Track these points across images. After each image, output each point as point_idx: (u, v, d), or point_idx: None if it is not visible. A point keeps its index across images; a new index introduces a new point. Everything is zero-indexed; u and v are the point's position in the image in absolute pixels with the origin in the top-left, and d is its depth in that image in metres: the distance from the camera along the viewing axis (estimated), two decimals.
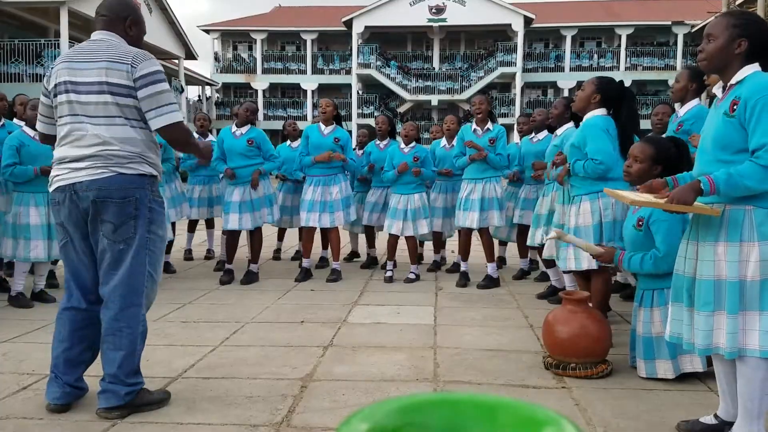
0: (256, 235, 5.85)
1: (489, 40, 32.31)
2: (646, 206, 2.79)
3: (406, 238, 5.76)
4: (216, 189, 6.55)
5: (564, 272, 4.52)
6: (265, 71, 32.54)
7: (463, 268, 5.69)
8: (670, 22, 30.52)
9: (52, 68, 2.74)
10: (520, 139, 6.14)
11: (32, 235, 4.67)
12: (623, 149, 3.63)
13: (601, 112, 3.75)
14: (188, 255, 7.03)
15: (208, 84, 31.34)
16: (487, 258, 5.57)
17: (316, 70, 32.57)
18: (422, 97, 31.00)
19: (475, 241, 5.64)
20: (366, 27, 31.00)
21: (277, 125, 7.23)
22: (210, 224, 7.13)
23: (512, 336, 4.00)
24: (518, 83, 30.33)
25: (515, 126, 6.36)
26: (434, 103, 31.14)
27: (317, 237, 6.13)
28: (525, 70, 30.78)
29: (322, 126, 5.80)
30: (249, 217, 5.65)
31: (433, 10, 30.48)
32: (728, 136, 2.28)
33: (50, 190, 2.75)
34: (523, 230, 5.65)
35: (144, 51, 2.72)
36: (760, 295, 2.24)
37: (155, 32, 21.04)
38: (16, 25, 18.80)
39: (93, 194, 2.62)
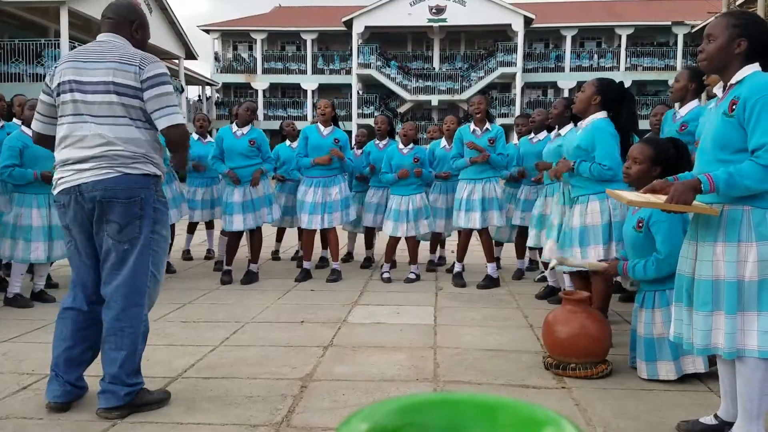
0: (255, 234, 5.85)
1: (489, 40, 32.31)
2: (645, 206, 2.78)
3: (407, 238, 5.76)
4: (217, 190, 6.54)
5: (564, 272, 4.52)
6: (265, 71, 32.56)
7: (457, 268, 5.69)
8: (670, 23, 30.53)
9: (55, 67, 2.75)
10: (518, 140, 6.12)
11: (33, 237, 4.66)
12: (623, 150, 3.63)
13: (603, 114, 3.75)
14: (187, 255, 7.03)
15: (208, 84, 31.34)
16: (487, 258, 5.57)
17: (316, 70, 32.58)
18: (422, 97, 31.00)
19: (474, 241, 5.63)
20: (366, 27, 31.02)
21: (277, 125, 7.23)
22: (210, 224, 7.13)
23: (512, 336, 4.00)
24: (518, 83, 30.34)
25: (514, 127, 6.32)
26: (434, 103, 31.14)
27: (317, 238, 6.13)
28: (525, 71, 30.79)
29: (321, 127, 5.80)
30: (251, 216, 5.66)
31: (433, 10, 30.50)
32: (727, 136, 2.28)
33: (54, 192, 2.75)
34: (523, 231, 5.64)
35: (150, 54, 2.75)
36: (759, 295, 2.24)
37: (155, 32, 20.99)
38: (16, 25, 18.80)
39: (99, 194, 2.63)
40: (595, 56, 31.55)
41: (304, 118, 30.07)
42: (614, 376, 3.23)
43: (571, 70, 31.03)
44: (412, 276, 5.79)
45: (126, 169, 2.66)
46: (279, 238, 7.21)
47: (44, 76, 2.86)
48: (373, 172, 6.19)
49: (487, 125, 5.50)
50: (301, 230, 6.34)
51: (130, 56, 2.68)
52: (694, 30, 27.52)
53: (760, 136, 2.18)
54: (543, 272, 5.61)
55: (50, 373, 2.76)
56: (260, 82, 32.34)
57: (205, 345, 3.78)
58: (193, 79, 29.31)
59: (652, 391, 3.02)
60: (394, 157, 5.77)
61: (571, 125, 4.74)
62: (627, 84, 4.13)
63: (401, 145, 5.85)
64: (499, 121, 26.29)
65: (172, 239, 6.24)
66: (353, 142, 6.95)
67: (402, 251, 6.05)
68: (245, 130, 5.74)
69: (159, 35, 21.63)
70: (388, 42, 32.76)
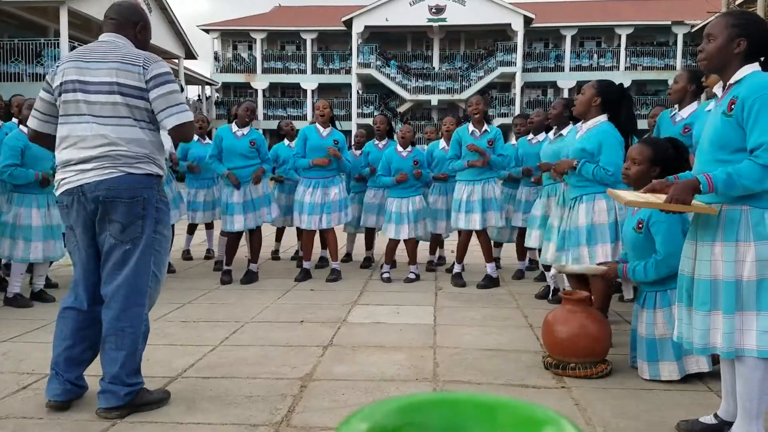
0: (255, 234, 5.85)
1: (489, 39, 32.30)
2: (644, 207, 2.78)
3: (405, 240, 5.76)
4: (218, 191, 6.54)
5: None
6: (264, 71, 32.55)
7: (457, 269, 5.69)
8: (669, 22, 30.53)
9: (57, 66, 2.75)
10: (516, 140, 6.10)
11: (33, 237, 4.66)
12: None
13: (605, 117, 3.75)
14: (187, 255, 7.04)
15: (207, 84, 31.33)
16: (485, 258, 5.57)
17: (316, 70, 32.58)
18: (422, 96, 31.00)
19: (474, 241, 5.63)
20: (366, 27, 31.01)
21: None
22: (209, 224, 7.12)
23: (512, 336, 4.00)
24: (518, 83, 30.33)
25: (513, 128, 6.30)
26: (434, 102, 31.14)
27: (316, 238, 6.13)
28: (525, 70, 30.79)
29: (321, 128, 5.79)
30: (252, 216, 5.67)
31: (433, 10, 30.48)
32: (726, 136, 2.29)
33: (57, 193, 2.75)
34: (523, 232, 5.63)
35: (152, 54, 2.75)
36: (757, 295, 2.24)
37: (155, 32, 20.64)
38: (16, 25, 18.79)
39: (102, 194, 2.63)
40: (595, 56, 31.55)
41: (303, 117, 30.05)
42: (614, 375, 3.23)
43: (571, 69, 31.03)
44: (412, 276, 5.80)
45: (129, 168, 2.66)
46: (278, 237, 7.21)
47: (44, 76, 2.86)
48: (373, 172, 6.18)
49: (486, 126, 5.49)
50: (300, 230, 6.34)
51: (133, 56, 2.68)
52: (693, 30, 27.49)
53: (758, 135, 2.19)
54: (542, 271, 5.61)
55: (50, 372, 2.76)
56: (260, 82, 32.32)
57: (205, 345, 3.78)
58: (192, 79, 29.30)
59: (652, 390, 3.02)
60: (393, 160, 5.76)
61: (571, 125, 4.73)
62: (627, 84, 4.13)
63: (400, 148, 5.84)
64: (499, 121, 26.30)
65: (172, 239, 6.23)
66: (352, 142, 6.95)
67: (402, 251, 6.05)
68: (245, 130, 5.74)
69: (159, 35, 21.61)
70: (388, 42, 32.76)
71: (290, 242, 7.67)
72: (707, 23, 2.50)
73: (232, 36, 34.22)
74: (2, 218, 4.74)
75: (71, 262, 2.89)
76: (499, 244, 6.46)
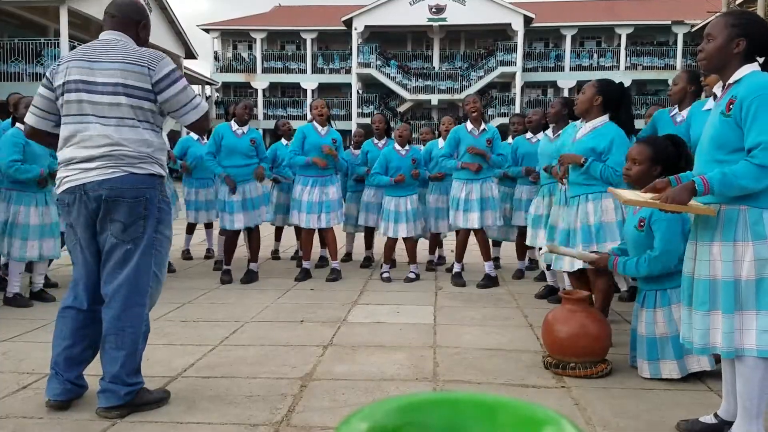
0: (254, 234, 5.85)
1: (489, 39, 32.30)
2: (642, 206, 2.79)
3: (404, 238, 5.77)
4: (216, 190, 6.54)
5: (563, 272, 4.51)
6: (264, 70, 32.55)
7: (456, 268, 5.69)
8: (670, 22, 30.52)
9: (58, 65, 2.74)
10: (512, 139, 6.10)
11: (30, 236, 4.66)
12: None
13: (607, 118, 3.76)
14: (187, 255, 7.04)
15: (207, 83, 31.32)
16: (483, 257, 5.57)
17: (316, 70, 32.58)
18: (422, 96, 30.99)
19: (473, 241, 5.63)
20: (366, 26, 31.00)
21: None
22: (209, 224, 7.13)
23: (512, 335, 4.00)
24: (518, 83, 30.33)
25: (510, 126, 6.31)
26: (434, 102, 31.14)
27: (316, 237, 6.13)
28: (525, 70, 30.78)
29: (319, 127, 5.80)
30: (250, 215, 5.68)
31: (433, 10, 30.48)
32: (724, 136, 2.29)
33: (58, 192, 2.74)
34: (523, 231, 5.63)
35: (154, 50, 2.75)
36: (756, 294, 2.25)
37: (155, 31, 20.89)
38: (16, 24, 18.79)
39: (104, 193, 2.63)
40: (595, 55, 31.54)
41: (303, 117, 30.03)
42: (614, 375, 3.23)
43: (571, 69, 31.02)
44: (412, 275, 5.80)
45: (132, 168, 2.66)
46: (278, 237, 7.22)
47: (44, 76, 2.85)
48: (369, 173, 6.19)
49: (483, 125, 5.50)
50: (299, 230, 6.34)
51: (137, 56, 2.67)
52: (693, 29, 27.49)
53: (756, 135, 2.19)
54: (542, 270, 5.61)
55: (50, 371, 2.76)
56: (260, 82, 32.33)
57: (205, 344, 3.78)
58: (192, 79, 29.25)
59: (652, 390, 3.02)
60: (392, 159, 5.76)
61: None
62: (627, 83, 4.13)
63: (398, 146, 5.84)
64: (499, 120, 26.29)
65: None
66: (351, 141, 6.96)
67: (401, 251, 6.05)
68: (245, 129, 5.75)
69: (158, 34, 21.61)
70: (388, 41, 32.75)
71: (290, 242, 7.67)
72: (707, 23, 2.50)
73: (232, 36, 34.22)
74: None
75: (70, 261, 2.89)
76: (498, 243, 6.46)
